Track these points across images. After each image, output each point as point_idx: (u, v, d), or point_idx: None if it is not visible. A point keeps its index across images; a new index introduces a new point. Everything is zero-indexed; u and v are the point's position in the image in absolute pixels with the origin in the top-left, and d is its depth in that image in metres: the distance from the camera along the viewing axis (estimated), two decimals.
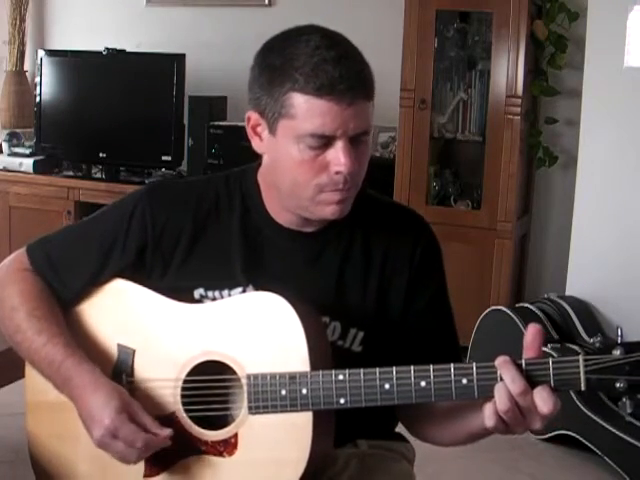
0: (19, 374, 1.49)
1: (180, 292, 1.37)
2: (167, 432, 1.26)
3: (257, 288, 1.35)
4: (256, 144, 1.35)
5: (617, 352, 1.11)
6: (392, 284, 1.39)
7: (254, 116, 1.33)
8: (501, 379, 1.14)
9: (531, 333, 1.18)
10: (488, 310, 3.36)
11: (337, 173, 1.27)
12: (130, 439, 1.25)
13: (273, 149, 1.32)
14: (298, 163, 1.27)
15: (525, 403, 1.13)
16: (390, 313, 1.39)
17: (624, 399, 1.12)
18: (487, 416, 1.16)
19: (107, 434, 1.25)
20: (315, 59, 1.24)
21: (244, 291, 1.36)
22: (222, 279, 1.37)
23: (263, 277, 1.36)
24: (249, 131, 1.35)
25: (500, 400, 1.14)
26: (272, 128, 1.29)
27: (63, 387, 1.33)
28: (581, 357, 1.13)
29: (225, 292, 1.37)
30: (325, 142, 1.26)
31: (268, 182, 1.38)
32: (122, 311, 1.39)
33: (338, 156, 1.26)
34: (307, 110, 1.24)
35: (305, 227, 1.39)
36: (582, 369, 1.12)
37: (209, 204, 1.41)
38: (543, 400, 1.13)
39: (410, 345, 1.38)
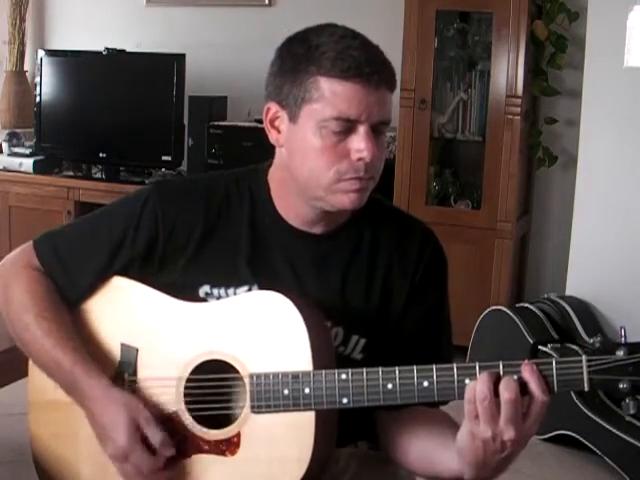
0: (20, 374, 1.49)
1: (185, 288, 1.36)
2: (170, 452, 1.27)
3: (262, 288, 1.34)
4: (273, 137, 1.34)
5: (620, 352, 1.11)
6: (394, 292, 1.38)
7: (274, 107, 1.31)
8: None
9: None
10: (488, 310, 3.36)
11: (359, 160, 1.26)
12: (138, 464, 1.26)
13: (293, 138, 1.30)
14: (319, 149, 1.26)
15: (511, 408, 1.10)
16: (391, 322, 1.38)
17: (627, 400, 1.12)
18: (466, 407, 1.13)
19: (120, 455, 1.26)
20: (341, 45, 1.25)
21: (250, 290, 1.35)
22: (228, 277, 1.36)
23: (269, 277, 1.35)
24: (266, 124, 1.33)
25: (479, 387, 1.12)
26: (294, 116, 1.28)
27: (71, 392, 1.33)
28: (584, 358, 1.12)
29: (231, 290, 1.36)
30: (348, 127, 1.25)
31: (281, 179, 1.36)
32: (125, 310, 1.39)
33: (360, 142, 1.25)
34: (333, 93, 1.24)
35: (314, 228, 1.38)
36: (585, 370, 1.12)
37: (220, 202, 1.39)
38: (506, 387, 1.10)
39: (404, 355, 1.36)
